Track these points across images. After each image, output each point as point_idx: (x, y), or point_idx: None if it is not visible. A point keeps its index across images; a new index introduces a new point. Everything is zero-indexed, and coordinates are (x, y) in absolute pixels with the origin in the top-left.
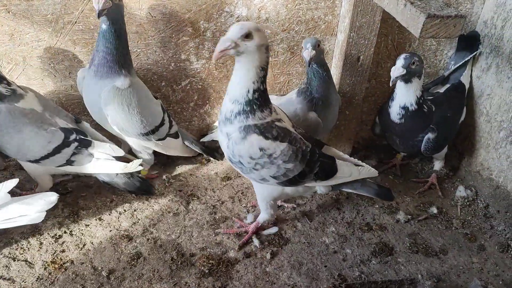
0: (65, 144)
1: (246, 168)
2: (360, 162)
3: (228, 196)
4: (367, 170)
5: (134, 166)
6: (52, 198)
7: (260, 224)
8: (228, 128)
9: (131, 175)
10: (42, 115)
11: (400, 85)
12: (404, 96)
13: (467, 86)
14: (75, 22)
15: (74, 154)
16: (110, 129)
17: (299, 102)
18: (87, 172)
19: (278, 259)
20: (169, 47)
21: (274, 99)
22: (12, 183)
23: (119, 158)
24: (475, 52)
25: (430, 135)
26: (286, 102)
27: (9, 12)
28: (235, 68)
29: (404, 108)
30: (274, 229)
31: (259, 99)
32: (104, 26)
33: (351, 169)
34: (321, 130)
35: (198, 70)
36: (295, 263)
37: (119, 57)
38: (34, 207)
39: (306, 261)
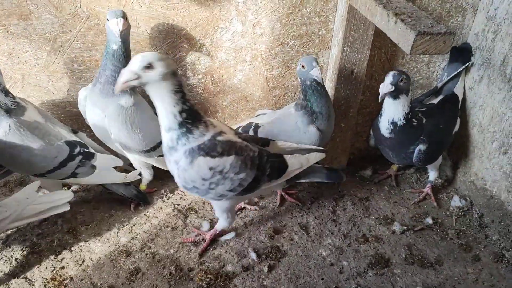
0: (71, 157)
1: (202, 191)
2: (306, 146)
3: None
4: (315, 155)
5: (133, 175)
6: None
7: (218, 232)
8: (174, 156)
9: (129, 183)
10: (46, 127)
11: (388, 101)
12: (392, 112)
13: (460, 97)
14: (73, 40)
15: (78, 166)
16: (112, 146)
17: (299, 115)
18: (89, 183)
19: (276, 272)
20: None
21: (269, 113)
22: (37, 183)
23: (117, 168)
24: (467, 64)
25: (421, 147)
26: (285, 116)
27: (8, 32)
28: (152, 98)
29: (393, 123)
30: (231, 235)
31: (189, 118)
32: (114, 46)
33: (300, 160)
34: (320, 141)
35: (195, 85)
36: (292, 276)
37: None
38: (59, 198)
39: (303, 274)
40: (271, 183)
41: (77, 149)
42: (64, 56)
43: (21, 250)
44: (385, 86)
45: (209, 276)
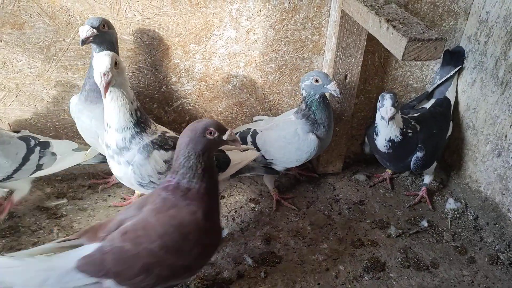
0: (30, 150)
1: (159, 185)
2: (246, 147)
3: (222, 215)
4: (252, 152)
5: (92, 152)
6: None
7: None
8: (126, 156)
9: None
10: None
11: (383, 123)
12: (389, 131)
13: (452, 101)
14: (67, 49)
15: (40, 157)
16: (102, 151)
17: (300, 123)
18: (56, 171)
19: (272, 278)
20: (160, 70)
21: (266, 120)
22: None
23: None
24: (459, 67)
25: (418, 154)
26: (284, 122)
27: (1, 41)
28: (110, 99)
29: (390, 141)
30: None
31: (142, 117)
32: (95, 54)
33: (240, 156)
34: (319, 149)
35: (189, 92)
36: (289, 281)
37: None
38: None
39: (299, 279)
40: (219, 175)
41: (32, 141)
42: (58, 64)
43: None
44: (389, 110)
45: (205, 282)
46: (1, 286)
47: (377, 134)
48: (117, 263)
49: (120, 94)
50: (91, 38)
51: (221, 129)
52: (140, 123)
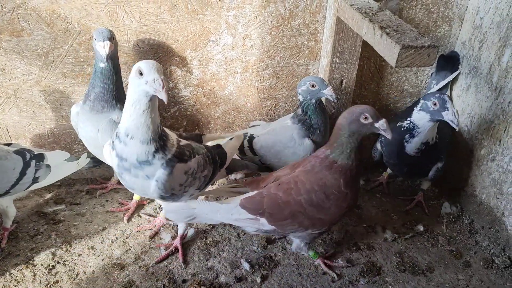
0: (27, 164)
1: (178, 196)
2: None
3: None
4: (236, 140)
5: (83, 160)
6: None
7: (182, 235)
8: (146, 170)
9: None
10: None
11: (429, 124)
12: (430, 133)
13: None
14: (65, 55)
15: (36, 170)
16: (105, 160)
17: (296, 128)
18: (51, 183)
19: (269, 282)
20: None
21: (262, 125)
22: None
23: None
24: (456, 73)
25: (439, 164)
26: (281, 127)
27: (0, 48)
28: (147, 107)
29: (425, 143)
30: (192, 231)
31: (163, 130)
32: (102, 65)
33: (228, 146)
34: None
35: (187, 97)
36: (285, 286)
37: (115, 92)
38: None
39: (296, 284)
40: (220, 171)
41: (28, 155)
42: (56, 71)
43: (15, 264)
44: (456, 113)
45: (202, 287)
46: (198, 219)
47: (413, 137)
48: (271, 206)
49: (155, 104)
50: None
51: (376, 117)
52: (162, 137)
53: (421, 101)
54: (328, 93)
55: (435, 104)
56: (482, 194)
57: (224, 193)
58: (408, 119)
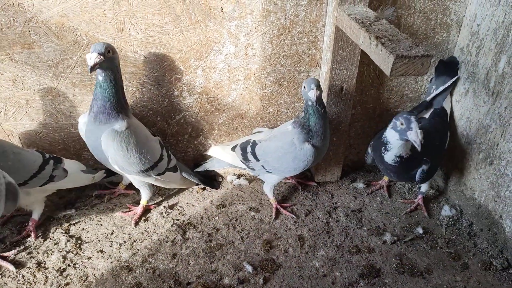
0: (46, 161)
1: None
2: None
3: (223, 223)
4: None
5: (99, 175)
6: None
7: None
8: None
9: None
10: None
11: (399, 142)
12: (401, 149)
13: (448, 111)
14: (74, 66)
15: (53, 169)
16: (112, 168)
17: (296, 133)
18: (65, 187)
19: (271, 284)
20: (163, 84)
21: (265, 131)
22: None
23: (86, 171)
24: (455, 78)
25: (424, 167)
26: (282, 133)
27: (12, 60)
28: None
29: (399, 157)
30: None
31: None
32: (100, 78)
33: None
34: (315, 158)
35: (191, 105)
36: (287, 287)
37: (116, 104)
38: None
39: (297, 285)
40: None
41: (47, 155)
42: (65, 81)
43: (27, 267)
44: (420, 134)
45: None
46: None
47: (387, 150)
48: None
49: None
50: (98, 65)
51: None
52: None
53: (393, 120)
54: (310, 95)
55: (402, 124)
56: (481, 197)
57: None
58: (384, 133)
